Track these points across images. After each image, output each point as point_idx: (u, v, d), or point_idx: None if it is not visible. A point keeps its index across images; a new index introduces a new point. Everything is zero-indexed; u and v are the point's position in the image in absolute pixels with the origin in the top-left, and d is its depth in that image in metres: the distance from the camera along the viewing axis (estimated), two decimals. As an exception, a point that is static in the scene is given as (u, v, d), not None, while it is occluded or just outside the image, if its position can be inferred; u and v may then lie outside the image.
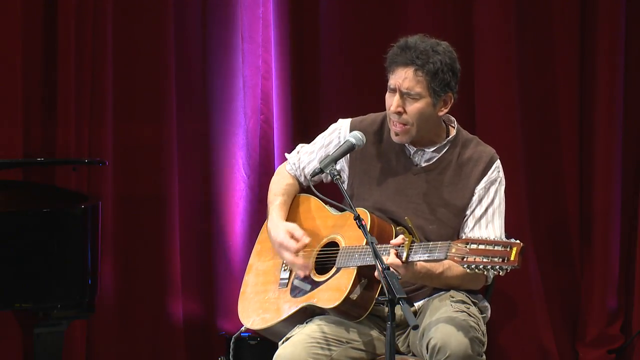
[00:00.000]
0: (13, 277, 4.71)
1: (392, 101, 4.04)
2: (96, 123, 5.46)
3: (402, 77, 4.01)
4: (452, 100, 4.09)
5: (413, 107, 4.03)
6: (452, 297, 4.04)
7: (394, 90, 4.04)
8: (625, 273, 5.92)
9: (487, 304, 4.16)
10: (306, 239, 4.08)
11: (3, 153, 5.27)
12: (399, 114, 4.04)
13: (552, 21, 5.84)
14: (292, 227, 4.14)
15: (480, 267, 3.62)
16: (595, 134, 5.86)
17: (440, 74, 4.01)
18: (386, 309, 3.65)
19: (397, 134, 4.09)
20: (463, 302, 4.03)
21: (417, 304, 4.09)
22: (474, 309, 4.04)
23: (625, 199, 5.89)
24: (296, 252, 4.09)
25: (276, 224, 4.20)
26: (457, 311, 3.95)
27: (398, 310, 3.65)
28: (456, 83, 4.07)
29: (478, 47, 5.73)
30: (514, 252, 3.60)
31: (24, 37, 5.32)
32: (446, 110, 4.09)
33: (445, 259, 3.73)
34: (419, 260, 3.81)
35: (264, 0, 5.73)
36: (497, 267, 3.60)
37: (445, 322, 3.89)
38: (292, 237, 4.11)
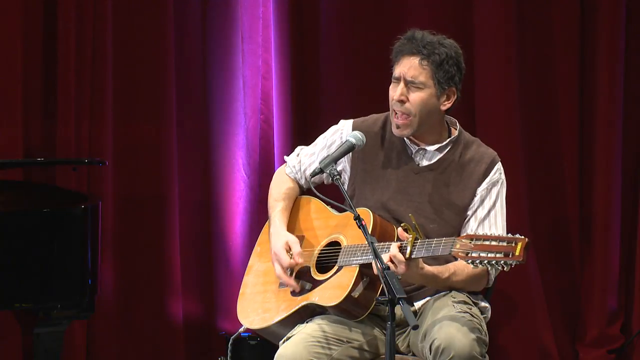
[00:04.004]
0: (13, 277, 4.71)
1: (395, 90, 4.06)
2: (96, 123, 5.46)
3: (407, 66, 4.04)
4: (455, 97, 4.10)
5: (416, 96, 4.04)
6: (454, 298, 4.03)
7: (398, 79, 4.06)
8: (625, 273, 5.92)
9: (487, 304, 4.16)
10: (299, 259, 4.08)
11: (3, 153, 5.26)
12: (402, 102, 4.05)
13: (552, 21, 5.84)
14: (293, 241, 4.14)
15: (485, 262, 3.62)
16: (595, 134, 5.86)
17: (445, 65, 4.03)
18: (386, 309, 3.65)
19: (398, 127, 4.09)
20: (465, 302, 4.03)
21: (417, 304, 4.09)
22: (475, 310, 4.04)
23: (625, 199, 5.89)
24: (286, 269, 4.09)
25: (278, 232, 4.20)
26: (459, 312, 3.95)
27: (398, 310, 3.65)
28: (460, 80, 4.09)
29: (478, 47, 5.73)
30: (519, 247, 3.59)
31: (24, 38, 5.32)
32: (449, 105, 4.10)
33: (450, 254, 3.74)
34: (422, 257, 3.81)
35: (264, 0, 5.73)
36: (502, 262, 3.60)
37: (448, 322, 3.88)
38: (288, 251, 4.11)
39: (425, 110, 4.06)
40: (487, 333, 3.99)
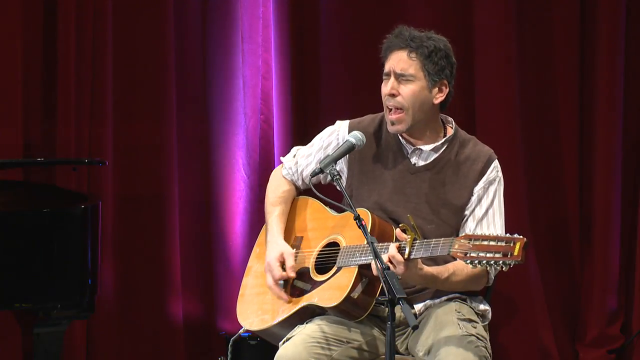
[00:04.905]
0: (13, 277, 4.71)
1: (387, 86, 4.06)
2: (96, 123, 5.46)
3: (396, 60, 4.05)
4: (448, 90, 4.09)
5: (407, 89, 4.04)
6: (459, 312, 4.02)
7: (388, 75, 4.07)
8: (625, 273, 5.92)
9: (487, 306, 4.15)
10: (292, 273, 4.09)
11: (3, 153, 5.27)
12: (393, 95, 4.05)
13: (552, 21, 5.84)
14: (288, 253, 4.14)
15: (484, 262, 3.61)
16: (595, 134, 5.86)
17: (434, 57, 4.03)
18: (386, 309, 3.65)
19: (392, 123, 4.09)
20: (470, 320, 4.01)
21: (417, 306, 4.08)
22: (480, 328, 4.01)
23: (625, 199, 5.89)
24: (277, 281, 4.10)
25: (275, 241, 4.20)
26: (465, 334, 3.92)
27: (398, 311, 3.65)
28: (451, 73, 4.08)
29: (478, 46, 5.73)
30: (517, 247, 3.59)
31: (24, 38, 5.32)
32: (441, 99, 4.09)
33: (448, 254, 3.73)
34: (421, 257, 3.81)
35: (264, 0, 5.73)
36: (501, 262, 3.59)
37: (454, 348, 3.86)
38: (282, 263, 4.11)
39: (418, 103, 4.05)
40: (491, 354, 3.98)
